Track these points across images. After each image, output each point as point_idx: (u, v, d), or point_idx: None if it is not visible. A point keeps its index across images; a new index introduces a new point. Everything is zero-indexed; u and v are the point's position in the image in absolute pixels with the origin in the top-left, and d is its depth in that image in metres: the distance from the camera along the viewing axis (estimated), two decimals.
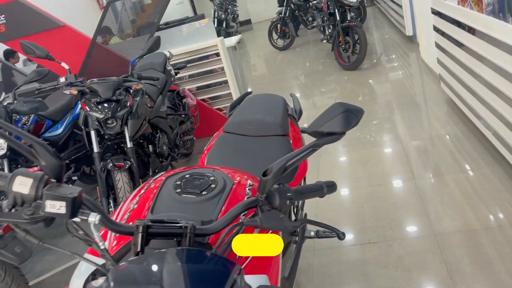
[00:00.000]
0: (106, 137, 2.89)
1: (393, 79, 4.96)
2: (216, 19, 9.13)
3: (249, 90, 2.27)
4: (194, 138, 3.89)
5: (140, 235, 0.87)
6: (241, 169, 1.41)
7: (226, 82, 4.60)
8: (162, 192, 1.12)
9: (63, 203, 0.79)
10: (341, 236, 1.07)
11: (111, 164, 2.73)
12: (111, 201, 2.81)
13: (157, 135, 3.32)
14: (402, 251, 2.23)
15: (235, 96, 4.63)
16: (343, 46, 5.49)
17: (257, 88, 6.08)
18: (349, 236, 2.46)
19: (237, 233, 0.94)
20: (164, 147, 3.31)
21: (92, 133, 2.81)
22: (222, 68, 4.56)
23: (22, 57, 6.57)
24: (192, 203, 1.07)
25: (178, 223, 0.91)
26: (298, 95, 5.00)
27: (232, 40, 5.20)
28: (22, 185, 0.81)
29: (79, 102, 3.72)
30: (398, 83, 4.78)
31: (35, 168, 0.89)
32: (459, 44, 3.04)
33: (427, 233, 2.31)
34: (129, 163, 2.78)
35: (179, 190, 1.11)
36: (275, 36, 7.95)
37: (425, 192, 2.67)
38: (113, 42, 5.80)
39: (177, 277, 0.74)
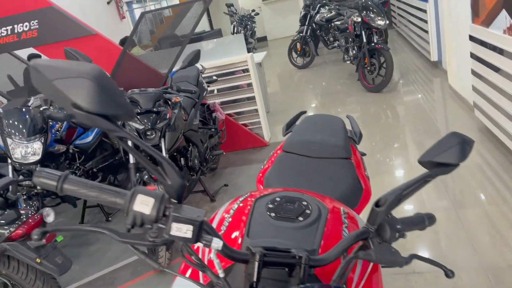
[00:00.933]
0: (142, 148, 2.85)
1: (419, 104, 4.93)
2: (235, 34, 9.18)
3: (303, 110, 2.23)
4: (224, 153, 3.84)
5: (256, 263, 0.82)
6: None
7: (251, 98, 4.58)
8: (255, 215, 1.07)
9: (190, 227, 0.74)
10: (449, 274, 1.01)
11: (147, 176, 2.69)
12: None
13: (189, 149, 3.28)
14: (451, 284, 2.16)
15: (261, 112, 4.60)
16: (368, 67, 5.49)
17: (277, 106, 6.06)
18: None
19: (347, 266, 0.89)
20: (196, 161, 3.27)
21: (129, 143, 2.77)
22: (248, 84, 4.54)
23: None
24: (289, 229, 1.02)
25: (290, 252, 0.86)
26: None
27: (259, 57, 5.20)
28: (144, 204, 0.76)
29: None
30: (424, 108, 4.75)
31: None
32: (498, 71, 3.02)
33: (476, 267, 2.23)
34: None
35: (274, 214, 1.06)
36: (294, 54, 7.97)
37: (468, 222, 2.61)
38: (134, 52, 5.82)
39: None
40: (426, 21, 5.84)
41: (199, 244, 0.77)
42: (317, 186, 1.53)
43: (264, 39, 12.44)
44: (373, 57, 5.45)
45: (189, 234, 0.74)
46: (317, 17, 7.66)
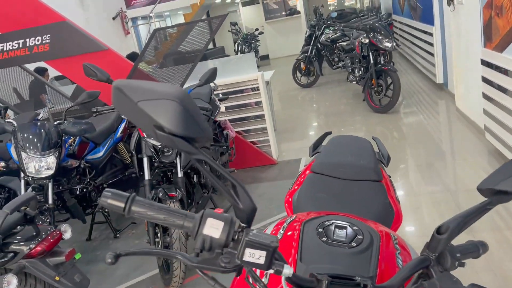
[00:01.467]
0: (156, 164, 2.83)
1: (425, 125, 4.95)
2: (239, 52, 9.26)
3: (328, 130, 2.23)
4: (235, 170, 3.82)
5: None
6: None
7: (260, 116, 4.59)
8: (305, 240, 1.05)
9: (264, 253, 0.72)
10: None
11: (162, 193, 2.66)
12: (157, 230, 2.71)
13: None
14: None
15: (270, 130, 4.61)
16: (375, 88, 5.53)
17: (283, 124, 6.07)
18: None
19: None
20: (208, 178, 3.24)
21: (145, 160, 2.76)
22: (257, 103, 4.56)
23: (52, 73, 6.60)
24: (343, 255, 1.00)
25: (355, 279, 0.84)
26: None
27: (268, 75, 5.23)
28: (214, 228, 0.74)
29: (119, 126, 3.70)
30: (431, 130, 4.77)
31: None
32: (511, 95, 3.05)
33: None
34: (181, 193, 2.71)
35: (325, 239, 1.05)
36: (299, 73, 8.03)
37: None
38: (146, 68, 5.84)
39: None
40: (432, 44, 5.92)
41: (270, 271, 0.75)
42: (350, 209, 1.51)
43: (266, 57, 12.56)
44: (380, 78, 5.50)
45: (262, 260, 0.72)
46: (322, 37, 7.75)
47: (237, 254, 0.73)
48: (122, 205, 0.77)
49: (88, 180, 3.36)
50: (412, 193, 3.41)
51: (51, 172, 2.81)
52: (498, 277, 2.33)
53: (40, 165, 2.80)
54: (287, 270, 0.74)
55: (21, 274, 1.95)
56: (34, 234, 1.97)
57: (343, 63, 6.97)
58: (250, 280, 0.78)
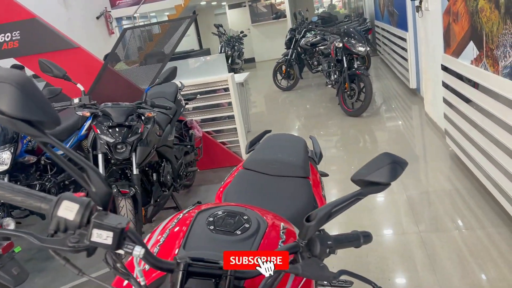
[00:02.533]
0: (112, 161, 2.85)
1: (396, 129, 5.03)
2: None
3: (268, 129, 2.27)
4: (198, 169, 3.85)
5: (181, 273, 0.84)
6: (262, 208, 1.38)
7: (231, 117, 4.62)
8: (194, 228, 1.08)
9: (111, 234, 0.75)
10: None
11: (115, 190, 2.68)
12: None
13: (162, 164, 3.28)
14: None
15: (240, 131, 4.64)
16: (348, 92, 5.59)
17: (259, 126, 6.11)
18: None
19: (275, 279, 0.91)
20: (168, 177, 3.27)
21: (100, 156, 2.77)
22: (229, 103, 4.59)
23: (28, 72, 6.58)
24: (225, 242, 1.04)
25: (218, 263, 0.88)
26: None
27: (241, 77, 5.27)
28: (68, 210, 0.77)
29: (85, 124, 3.71)
30: (400, 134, 4.84)
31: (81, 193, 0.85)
32: (467, 100, 3.11)
33: None
34: (134, 190, 2.73)
35: (212, 227, 1.08)
36: (279, 76, 8.09)
37: (431, 246, 2.64)
38: (118, 67, 5.84)
39: None
40: (406, 50, 6.01)
41: (120, 252, 0.78)
42: (272, 203, 1.55)
43: (252, 60, 12.62)
44: (353, 82, 5.57)
45: (109, 241, 0.75)
46: (302, 41, 7.82)
47: (87, 235, 0.76)
48: None
49: (49, 176, 3.36)
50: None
51: (5, 167, 2.82)
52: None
53: None
54: (137, 252, 0.77)
55: None
56: None
57: (322, 67, 7.04)
58: (108, 259, 0.81)
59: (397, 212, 3.13)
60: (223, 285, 0.87)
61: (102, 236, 0.75)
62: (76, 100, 2.80)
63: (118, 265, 0.82)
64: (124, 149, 2.71)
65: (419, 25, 5.03)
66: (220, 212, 1.14)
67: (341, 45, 5.64)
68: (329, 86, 6.40)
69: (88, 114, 2.74)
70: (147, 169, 3.16)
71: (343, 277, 0.99)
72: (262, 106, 7.48)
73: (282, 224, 1.19)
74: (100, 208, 0.80)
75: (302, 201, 1.60)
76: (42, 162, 3.31)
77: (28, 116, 0.70)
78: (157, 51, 5.16)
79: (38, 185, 3.23)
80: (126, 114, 2.76)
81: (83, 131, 3.66)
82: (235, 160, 4.63)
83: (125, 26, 11.21)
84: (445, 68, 3.62)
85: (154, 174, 3.21)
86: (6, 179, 2.87)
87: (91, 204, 0.79)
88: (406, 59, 6.10)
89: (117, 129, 2.72)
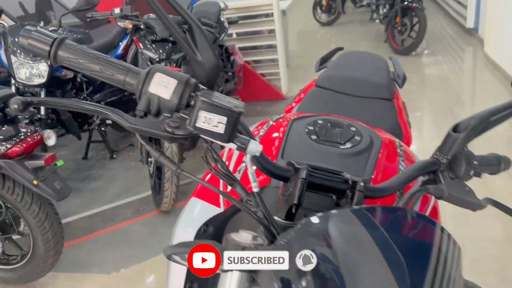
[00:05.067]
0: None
1: (450, 69, 4.63)
2: None
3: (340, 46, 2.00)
4: (240, 98, 3.62)
5: (300, 181, 0.64)
6: None
7: (273, 46, 4.30)
8: (291, 136, 0.88)
9: (224, 119, 0.54)
10: None
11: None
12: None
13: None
14: None
15: (281, 62, 4.34)
16: (399, 28, 5.14)
17: (296, 61, 5.78)
18: None
19: (410, 198, 0.70)
20: None
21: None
22: (270, 31, 4.26)
23: None
24: (334, 155, 0.83)
25: (342, 175, 0.67)
26: None
27: (285, 4, 4.88)
28: (163, 86, 0.56)
29: (122, 41, 3.48)
30: (456, 74, 4.47)
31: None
32: None
33: None
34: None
35: (315, 136, 0.87)
36: (319, 10, 7.56)
37: None
38: None
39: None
40: None
41: (231, 146, 0.57)
42: None
43: None
44: (405, 17, 5.10)
45: (221, 129, 0.54)
46: None
47: (190, 119, 0.56)
48: (47, 48, 0.59)
49: (85, 96, 3.21)
50: (426, 136, 3.21)
51: (42, 80, 2.65)
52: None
53: (32, 72, 2.64)
54: (254, 147, 0.57)
55: None
56: (13, 134, 1.84)
57: (368, 1, 6.51)
58: (208, 158, 0.61)
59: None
60: (345, 203, 0.67)
61: (212, 122, 0.55)
62: (117, 10, 2.55)
63: (219, 165, 0.62)
64: (167, 66, 2.49)
65: None
66: (320, 121, 0.92)
67: None
68: (377, 21, 5.93)
69: (130, 26, 2.51)
70: None
71: None
72: (299, 41, 7.06)
73: (397, 141, 0.97)
74: (203, 87, 0.58)
75: (387, 125, 1.37)
76: (78, 79, 3.14)
77: None
78: None
79: None
80: None
81: (120, 50, 3.43)
82: (275, 94, 4.38)
83: None
84: None
85: None
86: (43, 94, 2.72)
87: (191, 81, 0.58)
88: None
89: (160, 45, 2.49)
